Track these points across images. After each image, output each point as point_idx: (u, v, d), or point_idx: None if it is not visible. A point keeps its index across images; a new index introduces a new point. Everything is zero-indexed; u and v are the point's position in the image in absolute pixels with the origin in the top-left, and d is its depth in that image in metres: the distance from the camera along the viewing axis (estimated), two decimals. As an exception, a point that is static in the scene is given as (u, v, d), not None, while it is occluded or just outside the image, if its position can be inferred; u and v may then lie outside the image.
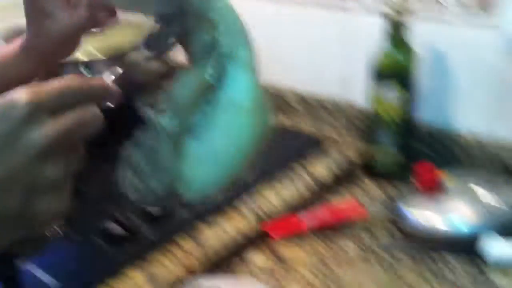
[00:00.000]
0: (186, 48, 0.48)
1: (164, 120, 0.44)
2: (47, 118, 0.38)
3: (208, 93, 0.45)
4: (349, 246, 0.82)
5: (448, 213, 0.79)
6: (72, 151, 0.40)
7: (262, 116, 0.48)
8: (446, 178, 0.85)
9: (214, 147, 0.45)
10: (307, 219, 0.85)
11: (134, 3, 0.58)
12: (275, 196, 0.91)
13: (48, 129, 0.38)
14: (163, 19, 0.47)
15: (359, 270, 0.77)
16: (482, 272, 0.73)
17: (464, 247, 0.76)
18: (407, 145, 0.94)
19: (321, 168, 0.97)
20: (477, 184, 0.83)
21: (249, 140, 0.46)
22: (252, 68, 0.47)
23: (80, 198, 0.86)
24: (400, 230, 0.82)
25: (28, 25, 0.66)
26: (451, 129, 0.94)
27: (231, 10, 0.48)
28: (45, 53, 0.67)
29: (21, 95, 0.38)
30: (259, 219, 0.86)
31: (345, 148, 1.02)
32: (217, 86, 0.45)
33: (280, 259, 0.81)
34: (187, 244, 0.82)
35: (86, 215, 0.89)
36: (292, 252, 0.82)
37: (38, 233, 0.42)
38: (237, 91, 0.45)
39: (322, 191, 0.94)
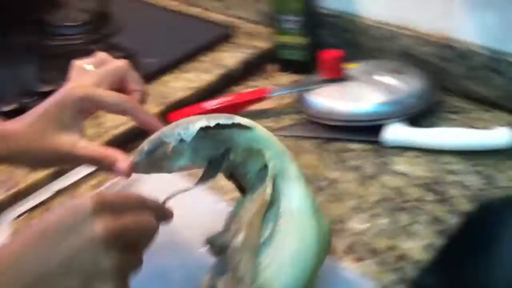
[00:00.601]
0: (238, 178, 0.56)
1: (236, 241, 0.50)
2: (109, 215, 0.43)
3: (270, 208, 0.52)
4: (253, 131, 0.82)
5: (351, 99, 0.80)
6: (132, 252, 0.45)
7: (320, 216, 0.54)
8: (352, 66, 0.86)
9: (289, 252, 0.50)
10: (210, 106, 0.83)
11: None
12: (179, 84, 0.89)
13: (108, 223, 0.42)
14: (212, 160, 0.55)
15: (261, 154, 0.77)
16: (383, 157, 0.75)
17: (365, 132, 0.78)
18: (314, 34, 0.93)
19: (230, 57, 0.95)
20: (382, 72, 0.83)
21: (317, 239, 0.52)
22: (300, 177, 0.55)
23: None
24: (303, 115, 0.83)
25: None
26: (359, 17, 0.93)
27: (269, 135, 0.56)
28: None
29: (87, 198, 0.43)
30: (162, 105, 0.84)
31: (254, 38, 1.00)
32: (276, 201, 0.52)
33: (183, 144, 0.80)
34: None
35: None
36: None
37: None
38: (295, 200, 0.53)
39: (229, 81, 0.93)
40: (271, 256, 0.49)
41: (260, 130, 0.55)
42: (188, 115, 0.82)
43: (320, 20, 0.94)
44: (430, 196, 0.68)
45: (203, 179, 0.55)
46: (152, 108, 0.83)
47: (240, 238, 0.50)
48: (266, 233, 0.51)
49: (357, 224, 0.65)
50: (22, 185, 0.71)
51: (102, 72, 0.58)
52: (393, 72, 0.84)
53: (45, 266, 0.40)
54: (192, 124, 0.53)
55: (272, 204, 0.52)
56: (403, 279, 0.58)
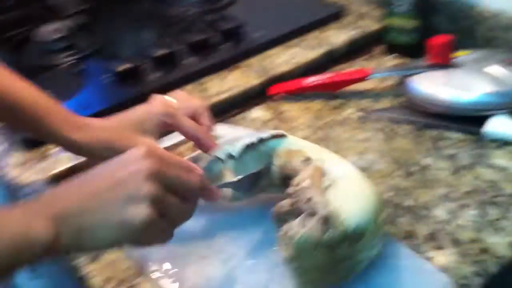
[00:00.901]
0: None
1: None
2: (157, 160, 0.49)
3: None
4: (350, 108, 0.82)
5: (455, 87, 0.77)
6: (169, 197, 0.50)
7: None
8: (461, 54, 0.83)
9: (351, 193, 0.55)
10: (312, 81, 0.84)
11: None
12: (285, 58, 0.91)
13: (155, 164, 0.49)
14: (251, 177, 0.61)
15: (356, 132, 0.77)
16: (484, 149, 0.72)
17: (466, 122, 0.75)
18: (426, 18, 0.90)
19: (336, 36, 0.95)
20: (493, 62, 0.80)
21: (372, 191, 0.57)
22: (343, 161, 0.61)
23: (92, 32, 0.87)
24: (403, 99, 0.82)
25: None
26: (474, 4, 0.89)
27: (303, 140, 0.65)
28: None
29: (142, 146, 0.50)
30: (266, 77, 0.87)
31: (364, 18, 0.99)
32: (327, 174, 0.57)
33: (280, 116, 0.82)
34: (191, 90, 0.84)
35: (97, 51, 0.92)
36: (293, 109, 0.82)
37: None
38: (343, 169, 0.59)
39: (333, 60, 0.93)
40: (334, 197, 0.53)
41: (293, 137, 0.64)
42: (288, 89, 0.86)
43: (433, 4, 0.91)
44: (526, 194, 0.65)
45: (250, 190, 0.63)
46: (254, 80, 0.86)
47: (306, 182, 0.54)
48: (327, 183, 0.55)
49: (443, 212, 0.64)
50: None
51: (181, 104, 0.67)
52: (505, 63, 0.80)
53: (96, 185, 0.48)
54: (238, 142, 0.62)
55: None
56: (483, 272, 0.57)
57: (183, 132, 0.66)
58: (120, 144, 0.63)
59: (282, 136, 0.63)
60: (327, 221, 0.50)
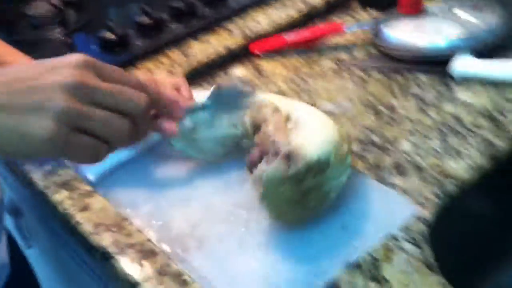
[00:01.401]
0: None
1: None
2: (90, 73, 0.48)
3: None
4: (325, 61, 0.86)
5: (426, 33, 0.81)
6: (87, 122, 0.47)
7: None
8: (432, 3, 0.87)
9: (312, 129, 0.59)
10: (289, 37, 0.89)
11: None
12: (265, 19, 0.95)
13: (84, 78, 0.47)
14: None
15: (330, 82, 0.82)
16: (448, 87, 0.77)
17: (436, 65, 0.79)
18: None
19: (314, -5, 0.99)
20: (461, 8, 0.84)
21: (333, 126, 0.62)
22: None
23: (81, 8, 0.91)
24: (378, 48, 0.86)
25: None
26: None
27: (271, 95, 0.70)
28: None
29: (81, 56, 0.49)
30: (247, 38, 0.91)
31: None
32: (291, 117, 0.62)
33: (260, 72, 0.86)
34: (175, 55, 0.89)
35: (85, 25, 0.97)
36: (272, 66, 0.87)
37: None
38: (307, 110, 0.64)
39: (312, 17, 0.97)
40: (296, 136, 0.57)
41: (264, 92, 0.70)
42: (271, 45, 0.90)
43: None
44: (486, 123, 0.69)
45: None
46: (239, 39, 0.90)
47: (270, 127, 0.58)
48: (290, 126, 0.59)
49: (407, 144, 0.68)
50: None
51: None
52: (473, 8, 0.84)
53: (13, 85, 0.46)
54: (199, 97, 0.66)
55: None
56: (442, 194, 0.61)
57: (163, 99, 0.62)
58: None
59: (252, 91, 0.67)
60: (289, 156, 0.55)
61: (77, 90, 0.46)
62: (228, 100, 0.67)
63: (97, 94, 0.47)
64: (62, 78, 0.46)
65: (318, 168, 0.56)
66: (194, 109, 0.65)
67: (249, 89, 0.69)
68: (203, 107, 0.66)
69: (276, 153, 0.55)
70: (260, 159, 0.57)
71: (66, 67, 0.47)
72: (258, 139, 0.60)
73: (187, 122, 0.65)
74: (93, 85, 0.47)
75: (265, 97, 0.67)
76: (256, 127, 0.63)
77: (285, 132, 0.58)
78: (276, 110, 0.62)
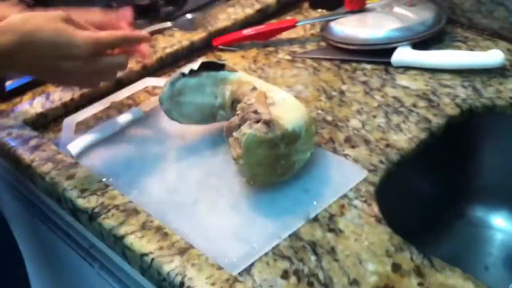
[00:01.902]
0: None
1: None
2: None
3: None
4: (281, 53, 0.96)
5: (367, 27, 0.92)
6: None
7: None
8: (374, 1, 0.97)
9: (287, 107, 0.68)
10: (247, 32, 0.97)
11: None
12: (226, 16, 1.04)
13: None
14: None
15: (286, 70, 0.91)
16: (390, 74, 0.87)
17: (378, 55, 0.90)
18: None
19: (269, -5, 1.09)
20: (399, 5, 0.94)
21: (304, 109, 0.71)
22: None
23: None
24: (327, 41, 0.96)
25: None
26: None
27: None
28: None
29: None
30: (210, 33, 0.99)
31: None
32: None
33: (220, 59, 0.95)
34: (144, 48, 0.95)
35: None
36: (232, 57, 0.95)
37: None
38: (282, 94, 0.72)
39: (267, 15, 1.06)
40: (275, 110, 0.66)
41: (243, 73, 0.77)
42: (228, 40, 0.98)
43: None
44: (423, 103, 0.80)
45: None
46: (200, 33, 0.98)
47: (252, 99, 0.67)
48: (269, 102, 0.68)
49: (356, 122, 0.78)
50: (87, 91, 0.88)
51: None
52: (408, 5, 0.95)
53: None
54: (191, 65, 0.75)
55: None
56: (386, 161, 0.71)
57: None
58: None
59: (234, 69, 0.76)
60: (269, 123, 0.63)
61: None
62: (212, 73, 0.74)
63: None
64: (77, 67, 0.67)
65: (291, 138, 0.65)
66: (184, 75, 0.73)
67: (232, 68, 0.76)
68: (190, 73, 0.74)
69: (257, 121, 0.64)
70: (238, 126, 0.66)
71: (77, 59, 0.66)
72: (239, 109, 0.68)
73: (177, 85, 0.73)
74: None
75: (245, 76, 0.75)
76: (235, 100, 0.71)
77: (266, 105, 0.67)
78: (255, 89, 0.71)
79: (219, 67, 0.75)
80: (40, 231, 0.87)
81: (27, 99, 0.86)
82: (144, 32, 0.76)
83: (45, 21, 0.64)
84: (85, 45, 0.65)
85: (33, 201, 0.84)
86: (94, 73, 0.69)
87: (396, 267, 0.58)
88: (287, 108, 0.68)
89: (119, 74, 0.78)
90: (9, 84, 0.88)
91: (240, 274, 0.57)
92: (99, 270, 0.74)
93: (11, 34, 0.62)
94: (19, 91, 0.88)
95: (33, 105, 0.85)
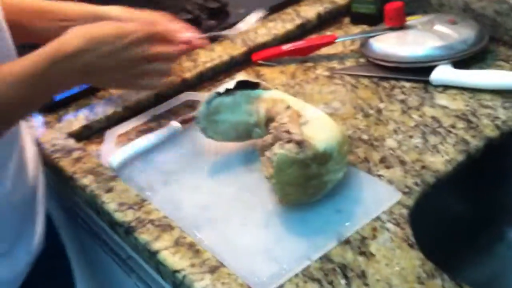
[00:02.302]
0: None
1: None
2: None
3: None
4: (319, 69, 0.96)
5: (407, 44, 0.91)
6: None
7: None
8: (414, 18, 0.96)
9: (320, 126, 0.70)
10: (286, 47, 0.98)
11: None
12: (266, 32, 1.05)
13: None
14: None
15: (323, 87, 0.91)
16: (429, 93, 0.86)
17: (417, 73, 0.89)
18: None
19: (310, 10, 1.09)
20: (440, 23, 0.93)
21: (338, 127, 0.73)
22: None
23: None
24: (366, 58, 0.95)
25: None
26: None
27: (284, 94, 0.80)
28: None
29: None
30: (250, 48, 1.01)
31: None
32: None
33: (260, 77, 0.95)
34: (184, 61, 0.97)
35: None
36: (271, 72, 0.96)
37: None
38: (316, 112, 0.74)
39: (306, 31, 1.07)
40: (307, 130, 0.67)
41: (278, 90, 0.80)
42: (267, 55, 0.99)
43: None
44: (462, 124, 0.79)
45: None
46: (239, 48, 1.00)
47: (285, 119, 0.68)
48: (302, 121, 0.68)
49: (392, 142, 0.77)
50: (130, 104, 0.91)
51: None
52: (450, 22, 0.93)
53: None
54: (227, 84, 0.77)
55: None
56: (421, 183, 0.70)
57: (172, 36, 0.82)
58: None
59: (269, 88, 0.78)
60: (301, 143, 0.64)
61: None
62: (247, 92, 0.76)
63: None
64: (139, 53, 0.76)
65: (323, 158, 0.66)
66: (219, 94, 0.75)
67: (267, 86, 0.78)
68: (225, 92, 0.75)
69: (289, 140, 0.65)
70: (271, 145, 0.66)
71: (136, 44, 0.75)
72: (272, 128, 0.69)
73: (213, 104, 0.75)
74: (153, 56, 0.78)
75: (279, 94, 0.76)
76: (269, 118, 0.72)
77: (298, 125, 0.67)
78: (288, 107, 0.72)
79: (254, 85, 0.76)
80: (83, 238, 0.90)
81: (72, 111, 0.89)
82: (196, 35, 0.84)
83: (104, 23, 0.76)
84: (139, 30, 0.74)
85: (76, 210, 0.87)
86: (142, 73, 0.77)
87: (426, 294, 0.58)
88: (320, 128, 0.69)
89: (159, 89, 0.84)
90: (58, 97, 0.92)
91: (269, 294, 0.58)
92: (136, 281, 0.77)
93: (76, 37, 0.71)
94: (65, 103, 0.91)
95: (77, 117, 0.88)
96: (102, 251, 0.83)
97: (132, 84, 0.81)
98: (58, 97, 0.91)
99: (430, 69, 0.88)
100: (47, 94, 0.76)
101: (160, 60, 0.78)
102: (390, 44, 0.93)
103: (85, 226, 0.87)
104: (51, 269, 0.85)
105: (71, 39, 0.71)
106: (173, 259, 0.62)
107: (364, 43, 0.97)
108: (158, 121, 0.87)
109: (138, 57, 0.75)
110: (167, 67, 0.80)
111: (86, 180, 0.73)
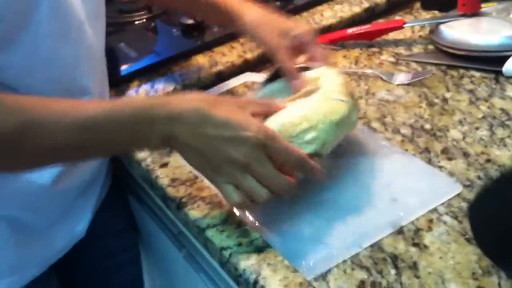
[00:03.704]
0: None
1: None
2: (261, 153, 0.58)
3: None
4: (385, 54, 0.93)
5: (481, 32, 0.87)
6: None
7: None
8: (490, 5, 0.91)
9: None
10: (353, 31, 0.95)
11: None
12: (332, 14, 1.02)
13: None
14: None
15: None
16: (500, 84, 0.82)
17: (489, 62, 0.84)
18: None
19: (379, -7, 1.06)
20: (516, 12, 0.89)
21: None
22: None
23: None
24: (435, 44, 0.91)
25: None
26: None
27: None
28: None
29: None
30: (315, 31, 0.98)
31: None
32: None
33: (323, 61, 0.94)
34: (247, 41, 0.97)
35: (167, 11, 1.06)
36: (334, 56, 0.94)
37: None
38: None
39: (374, 15, 1.04)
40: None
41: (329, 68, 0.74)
42: (331, 38, 0.97)
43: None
44: (533, 118, 0.74)
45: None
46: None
47: None
48: None
49: (457, 133, 0.74)
50: (190, 82, 0.91)
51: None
52: (529, 11, 0.88)
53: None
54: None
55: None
56: (484, 177, 0.67)
57: (312, 52, 0.74)
58: (265, 39, 0.75)
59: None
60: None
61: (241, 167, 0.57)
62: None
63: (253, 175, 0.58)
64: (235, 155, 0.57)
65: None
66: (267, 80, 0.75)
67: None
68: (271, 78, 0.75)
69: None
70: None
71: (244, 144, 0.57)
72: None
73: (263, 91, 0.74)
74: (253, 170, 0.57)
75: (319, 71, 0.72)
76: None
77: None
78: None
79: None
80: (136, 211, 0.92)
81: (134, 86, 0.91)
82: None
83: (227, 101, 0.62)
84: (259, 131, 0.57)
85: (130, 184, 0.89)
86: (248, 170, 0.58)
87: (481, 292, 0.55)
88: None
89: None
90: (123, 68, 0.94)
91: (315, 278, 0.57)
92: (185, 256, 0.77)
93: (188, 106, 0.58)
94: (129, 78, 0.93)
95: (138, 93, 0.89)
96: (153, 224, 0.84)
97: (216, 184, 0.61)
98: (123, 72, 0.93)
99: (503, 59, 0.84)
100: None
101: (261, 181, 0.58)
102: (462, 32, 0.89)
103: (138, 199, 0.88)
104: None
105: (181, 104, 0.58)
106: (221, 237, 0.62)
107: (434, 30, 0.93)
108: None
109: (240, 161, 0.57)
110: (264, 193, 0.59)
111: (142, 155, 0.74)
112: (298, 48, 0.75)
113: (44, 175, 0.70)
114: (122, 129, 0.57)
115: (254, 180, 0.58)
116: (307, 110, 0.64)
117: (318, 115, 0.64)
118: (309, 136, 0.62)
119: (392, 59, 0.91)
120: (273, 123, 0.62)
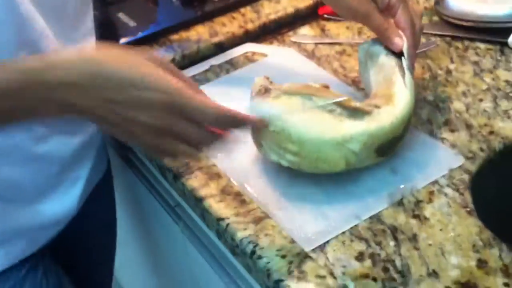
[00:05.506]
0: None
1: None
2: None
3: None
4: (388, 26, 0.91)
5: (487, 2, 0.85)
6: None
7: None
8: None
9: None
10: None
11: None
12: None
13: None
14: None
15: (391, 45, 0.86)
16: (505, 56, 0.80)
17: (496, 34, 0.83)
18: None
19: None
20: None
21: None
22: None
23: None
24: (440, 16, 0.89)
25: None
26: None
27: None
28: None
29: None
30: (316, 1, 0.97)
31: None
32: None
33: (325, 33, 0.92)
34: (248, 12, 0.95)
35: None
36: (336, 28, 0.92)
37: None
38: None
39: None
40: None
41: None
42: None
43: None
44: (539, 90, 0.73)
45: None
46: (306, 0, 0.96)
47: None
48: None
49: (460, 105, 0.72)
50: (189, 52, 0.89)
51: None
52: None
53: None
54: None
55: None
56: (487, 149, 0.66)
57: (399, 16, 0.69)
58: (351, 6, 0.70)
59: None
60: None
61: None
62: None
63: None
64: (146, 119, 0.50)
65: None
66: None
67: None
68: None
69: None
70: None
71: (151, 107, 0.49)
72: None
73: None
74: (172, 132, 0.51)
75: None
76: None
77: None
78: None
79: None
80: (133, 184, 0.92)
81: (133, 57, 0.89)
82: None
83: (127, 55, 0.52)
84: (167, 89, 0.50)
85: (128, 155, 0.88)
86: (165, 134, 0.51)
87: (481, 263, 0.54)
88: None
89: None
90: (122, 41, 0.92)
91: (313, 250, 0.56)
92: (183, 228, 0.77)
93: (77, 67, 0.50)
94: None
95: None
96: (150, 196, 0.84)
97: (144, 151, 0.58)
98: (122, 42, 0.91)
99: (509, 31, 0.82)
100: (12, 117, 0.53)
101: (186, 141, 0.53)
102: (468, 2, 0.86)
103: (135, 171, 0.88)
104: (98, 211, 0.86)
105: (73, 63, 0.50)
106: (218, 207, 0.61)
107: (439, 1, 0.91)
108: (216, 71, 0.86)
109: (153, 126, 0.51)
110: (207, 136, 0.53)
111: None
112: (386, 12, 0.70)
113: (24, 138, 0.65)
114: (8, 96, 0.49)
115: (178, 143, 0.52)
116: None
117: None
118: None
119: (395, 31, 0.90)
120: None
